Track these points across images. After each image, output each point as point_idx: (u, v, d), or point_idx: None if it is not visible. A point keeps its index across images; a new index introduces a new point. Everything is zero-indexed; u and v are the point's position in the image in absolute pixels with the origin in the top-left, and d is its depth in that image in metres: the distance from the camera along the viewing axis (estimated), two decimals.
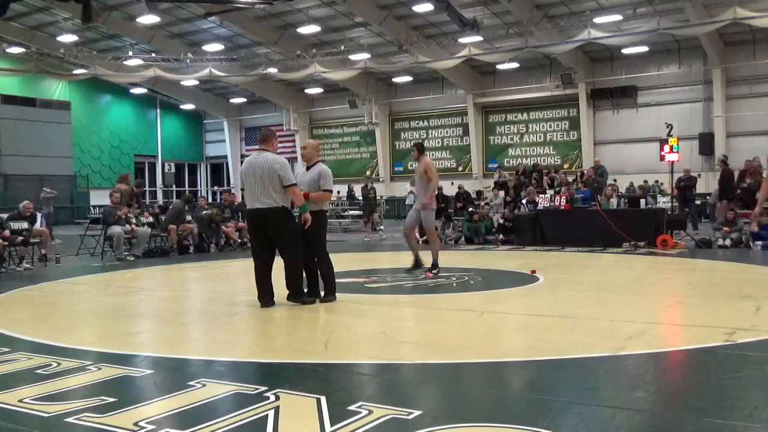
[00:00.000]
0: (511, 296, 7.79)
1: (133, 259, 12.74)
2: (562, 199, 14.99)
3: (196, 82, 32.34)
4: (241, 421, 3.37)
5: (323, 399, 3.66)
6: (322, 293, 7.13)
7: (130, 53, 28.93)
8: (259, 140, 7.03)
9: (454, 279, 8.94)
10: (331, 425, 3.28)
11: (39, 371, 4.43)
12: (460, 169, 31.72)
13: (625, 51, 25.71)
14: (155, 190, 38.01)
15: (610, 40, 23.51)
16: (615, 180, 22.84)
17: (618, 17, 23.08)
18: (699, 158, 25.38)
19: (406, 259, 12.57)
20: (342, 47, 27.12)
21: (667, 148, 14.85)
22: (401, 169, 33.04)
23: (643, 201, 14.71)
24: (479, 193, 23.92)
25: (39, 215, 14.81)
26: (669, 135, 15.39)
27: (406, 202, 21.10)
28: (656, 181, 24.27)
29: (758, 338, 5.09)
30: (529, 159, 28.47)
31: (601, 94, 27.91)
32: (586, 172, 19.54)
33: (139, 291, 8.92)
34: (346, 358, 4.83)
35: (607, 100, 27.98)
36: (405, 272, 9.37)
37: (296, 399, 3.72)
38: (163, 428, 3.29)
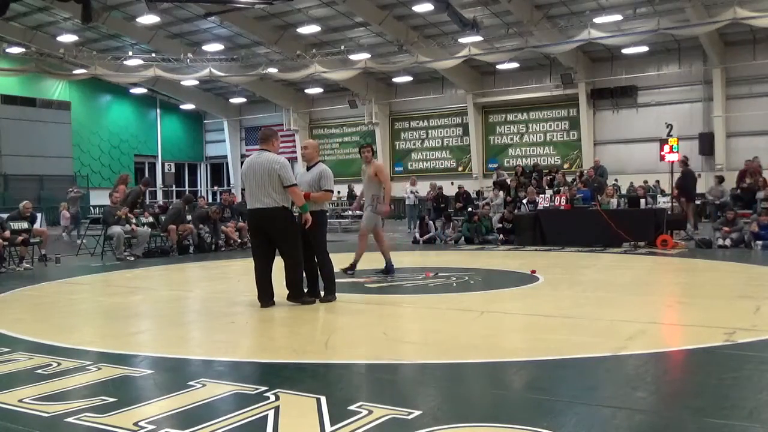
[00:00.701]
0: (511, 296, 7.79)
1: (133, 259, 12.74)
2: (562, 199, 14.99)
3: (196, 82, 32.33)
4: (241, 421, 3.37)
5: (323, 399, 3.66)
6: (322, 293, 7.13)
7: (130, 53, 28.92)
8: (260, 140, 7.03)
9: (454, 279, 8.93)
10: (331, 425, 3.28)
11: (39, 371, 4.43)
12: (460, 169, 31.72)
13: (625, 51, 25.71)
14: (155, 190, 37.99)
15: (610, 40, 23.50)
16: (616, 180, 22.86)
17: (618, 17, 23.08)
18: (699, 158, 25.37)
19: (406, 259, 12.58)
20: (342, 47, 27.12)
21: (667, 148, 14.86)
22: (401, 169, 33.04)
23: (643, 201, 14.71)
24: (479, 193, 23.94)
25: (39, 215, 14.83)
26: (669, 135, 15.39)
27: (407, 203, 21.08)
28: (657, 182, 24.27)
29: (758, 338, 5.09)
30: (529, 159, 28.48)
31: (601, 94, 27.91)
32: (586, 172, 19.54)
33: (139, 291, 8.92)
34: (346, 358, 4.83)
35: (607, 100, 27.98)
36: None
37: (296, 399, 3.72)
38: (163, 428, 3.29)
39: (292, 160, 30.98)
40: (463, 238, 15.50)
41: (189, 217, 14.56)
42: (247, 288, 7.44)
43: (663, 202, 16.22)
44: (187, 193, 37.80)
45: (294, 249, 6.87)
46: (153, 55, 28.36)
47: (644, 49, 25.33)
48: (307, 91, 33.70)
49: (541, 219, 14.71)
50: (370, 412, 3.45)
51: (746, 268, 10.19)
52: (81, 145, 34.01)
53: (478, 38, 24.61)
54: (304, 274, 7.06)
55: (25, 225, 12.02)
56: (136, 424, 3.35)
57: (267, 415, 3.45)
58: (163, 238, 14.06)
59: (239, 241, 14.80)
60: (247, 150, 36.98)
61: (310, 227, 6.91)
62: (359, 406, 3.52)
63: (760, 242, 12.63)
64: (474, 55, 25.59)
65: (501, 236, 15.24)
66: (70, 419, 3.46)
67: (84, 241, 14.61)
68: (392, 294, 7.88)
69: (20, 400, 3.78)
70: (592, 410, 3.54)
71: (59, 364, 4.58)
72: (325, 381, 4.20)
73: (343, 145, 35.26)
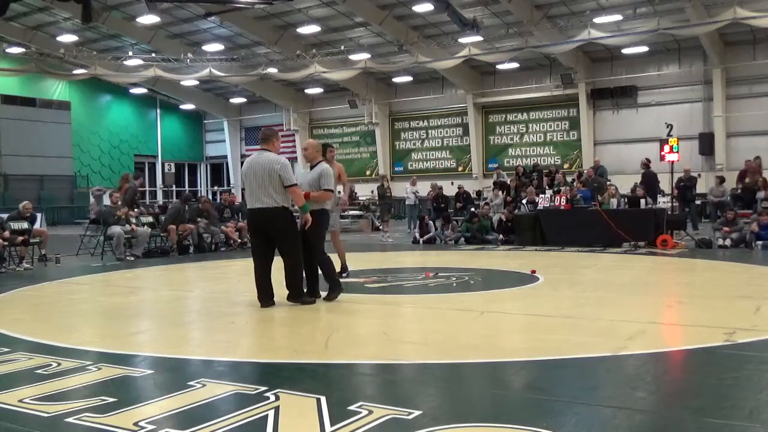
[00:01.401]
0: (511, 296, 7.79)
1: (133, 259, 12.74)
2: (562, 199, 14.99)
3: (196, 82, 32.31)
4: (241, 421, 3.37)
5: (323, 399, 3.66)
6: (323, 293, 7.13)
7: (130, 53, 28.90)
8: (261, 140, 7.03)
9: (454, 279, 8.94)
10: (331, 425, 3.28)
11: (39, 371, 4.43)
12: (460, 169, 31.70)
13: (625, 51, 25.69)
14: (155, 190, 38.00)
15: (610, 40, 23.49)
16: (609, 180, 22.80)
17: (618, 17, 23.07)
18: (699, 158, 25.37)
19: (406, 260, 12.59)
20: (342, 47, 27.10)
21: (667, 148, 14.86)
22: (401, 169, 33.02)
23: (642, 201, 14.71)
24: (479, 193, 23.92)
25: (39, 215, 14.83)
26: (669, 135, 15.39)
27: (407, 203, 21.08)
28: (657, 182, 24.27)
29: (758, 338, 5.10)
30: (529, 159, 28.45)
31: (601, 94, 27.89)
32: (586, 172, 19.53)
33: (139, 291, 8.92)
34: (346, 358, 4.83)
35: (607, 100, 27.96)
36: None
37: (296, 399, 3.72)
38: (163, 428, 3.29)
39: (293, 160, 30.98)
40: (463, 238, 15.50)
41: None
42: (247, 288, 7.44)
43: (663, 202, 16.20)
44: (186, 192, 37.90)
45: (294, 249, 6.87)
46: (153, 55, 28.35)
47: (644, 49, 25.31)
48: (307, 91, 33.69)
49: (541, 219, 14.71)
50: (370, 412, 3.45)
51: (746, 268, 10.19)
52: (81, 145, 34.00)
53: (478, 38, 24.60)
54: (304, 274, 7.06)
55: (25, 225, 12.02)
56: (136, 424, 3.35)
57: (267, 415, 3.45)
58: (163, 238, 14.06)
59: (239, 241, 14.80)
60: (247, 150, 36.95)
61: (309, 227, 6.91)
62: (359, 406, 3.52)
63: (760, 242, 12.64)
64: (474, 55, 25.58)
65: (501, 236, 15.24)
66: (70, 419, 3.46)
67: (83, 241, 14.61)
68: (392, 294, 7.88)
69: (20, 400, 3.78)
70: (592, 410, 3.54)
71: (59, 364, 4.58)
72: (325, 381, 4.20)
73: (343, 146, 35.20)
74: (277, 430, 3.26)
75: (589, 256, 12.16)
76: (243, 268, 9.78)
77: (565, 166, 27.77)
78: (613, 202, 14.80)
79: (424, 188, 22.24)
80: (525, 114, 30.30)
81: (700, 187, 21.02)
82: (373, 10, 24.48)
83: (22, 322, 6.48)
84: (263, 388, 3.88)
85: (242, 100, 36.36)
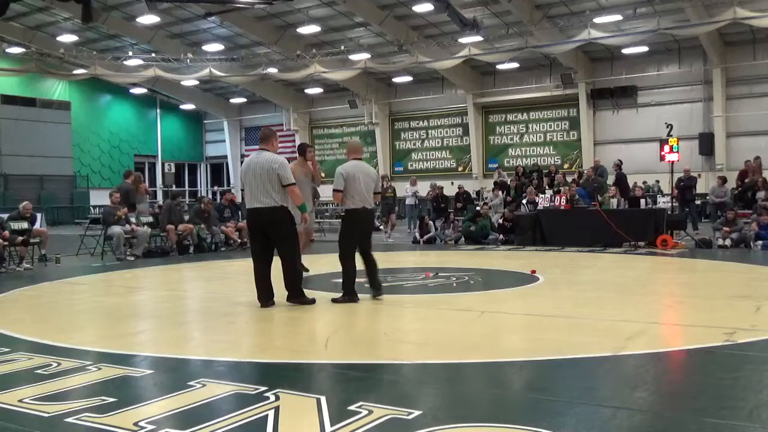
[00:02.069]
0: (511, 296, 7.79)
1: (133, 259, 12.74)
2: (562, 199, 14.99)
3: (196, 82, 32.31)
4: (241, 421, 3.37)
5: (323, 399, 3.66)
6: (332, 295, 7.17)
7: (130, 53, 28.90)
8: (260, 140, 7.04)
9: (454, 279, 8.93)
10: (331, 425, 3.28)
11: (39, 371, 4.43)
12: (460, 169, 31.71)
13: (625, 51, 25.69)
14: (155, 190, 37.99)
15: (610, 40, 23.49)
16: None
17: (618, 17, 23.07)
18: (699, 158, 25.37)
19: (407, 259, 12.58)
20: (342, 47, 27.10)
21: (667, 148, 14.84)
22: (401, 169, 33.03)
23: (643, 201, 14.71)
24: (479, 193, 23.92)
25: (39, 215, 14.83)
26: (669, 135, 15.38)
27: (407, 203, 21.06)
28: (657, 181, 24.28)
29: (758, 338, 5.10)
30: (529, 159, 28.47)
31: (601, 94, 27.89)
32: (585, 172, 19.52)
33: (139, 291, 8.92)
34: (346, 358, 4.83)
35: (607, 100, 27.96)
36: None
37: (296, 399, 3.72)
38: (163, 428, 3.29)
39: (292, 160, 30.90)
40: (463, 238, 15.50)
41: (186, 217, 14.58)
42: (247, 288, 7.44)
43: (663, 202, 16.21)
44: (186, 193, 37.96)
45: (293, 249, 6.87)
46: (153, 55, 28.35)
47: (644, 49, 25.31)
48: (307, 91, 33.69)
49: (541, 219, 14.71)
50: (370, 412, 3.45)
51: (746, 268, 10.19)
52: (81, 145, 34.01)
53: (478, 38, 24.60)
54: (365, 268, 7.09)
55: (25, 225, 12.02)
56: (136, 424, 3.35)
57: (267, 415, 3.45)
58: (163, 238, 14.06)
59: (239, 241, 14.80)
60: (246, 150, 36.96)
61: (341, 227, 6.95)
62: (359, 406, 3.52)
63: (760, 242, 12.63)
64: (474, 55, 25.58)
65: (501, 236, 15.23)
66: (70, 419, 3.46)
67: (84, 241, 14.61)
68: (392, 294, 7.87)
69: (20, 400, 3.78)
70: (592, 410, 3.54)
71: (59, 364, 4.58)
72: (325, 381, 4.20)
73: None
74: (277, 430, 3.26)
75: (589, 256, 12.16)
76: (243, 268, 9.77)
77: (565, 166, 27.76)
78: (613, 202, 14.80)
79: (424, 188, 22.23)
80: (525, 114, 30.30)
81: (700, 187, 21.02)
82: (373, 10, 24.48)
83: (22, 322, 6.48)
84: (263, 388, 3.88)
85: (242, 100, 36.37)
